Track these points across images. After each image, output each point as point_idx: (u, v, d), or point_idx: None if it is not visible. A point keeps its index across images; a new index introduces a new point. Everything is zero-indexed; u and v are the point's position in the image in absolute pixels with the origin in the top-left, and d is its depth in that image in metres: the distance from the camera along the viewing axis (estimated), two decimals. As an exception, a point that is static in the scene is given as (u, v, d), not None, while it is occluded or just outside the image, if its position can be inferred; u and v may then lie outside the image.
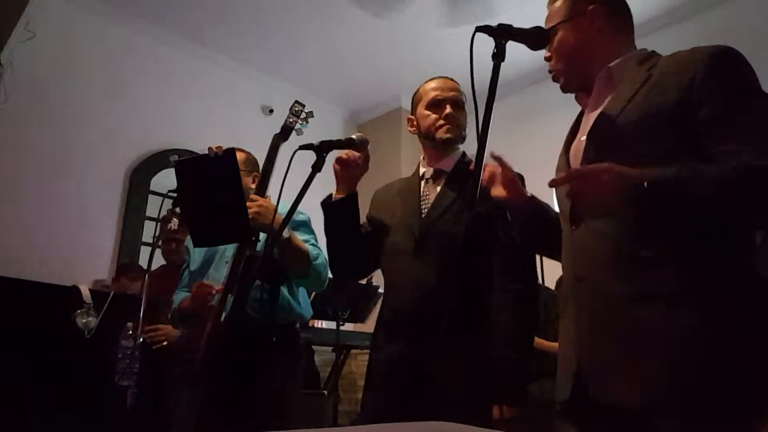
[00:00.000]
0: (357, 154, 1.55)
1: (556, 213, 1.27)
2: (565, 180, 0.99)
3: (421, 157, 1.73)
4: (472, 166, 1.54)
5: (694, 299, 0.93)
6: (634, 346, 0.96)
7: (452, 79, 1.68)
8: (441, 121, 1.60)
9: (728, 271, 0.95)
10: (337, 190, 1.61)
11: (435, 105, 1.62)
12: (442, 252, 1.47)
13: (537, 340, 2.23)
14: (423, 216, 1.56)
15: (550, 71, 1.24)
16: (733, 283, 0.94)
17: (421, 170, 1.68)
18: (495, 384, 1.34)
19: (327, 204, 1.61)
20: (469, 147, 1.32)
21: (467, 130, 1.67)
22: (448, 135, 1.59)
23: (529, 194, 1.29)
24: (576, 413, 1.07)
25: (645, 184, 0.91)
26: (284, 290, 1.94)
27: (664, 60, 1.11)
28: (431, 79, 1.69)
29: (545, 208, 1.30)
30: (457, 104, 1.62)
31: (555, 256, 1.25)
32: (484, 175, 1.21)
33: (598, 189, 0.93)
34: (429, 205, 1.57)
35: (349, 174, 1.58)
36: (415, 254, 1.51)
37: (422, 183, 1.65)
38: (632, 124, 1.05)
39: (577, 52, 1.19)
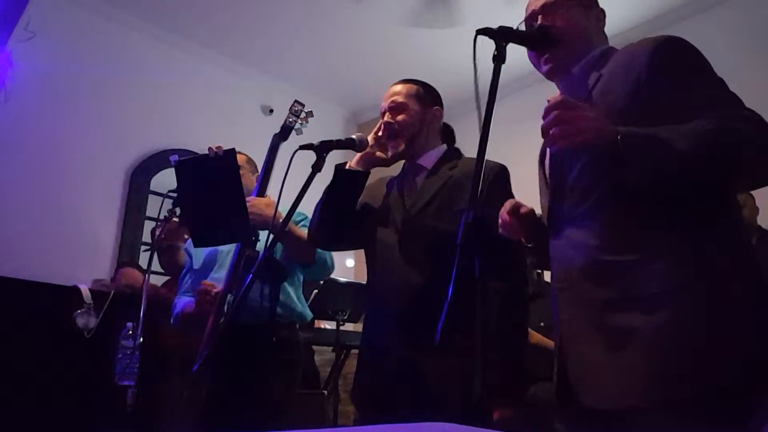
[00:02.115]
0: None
1: None
2: (553, 106, 0.95)
3: None
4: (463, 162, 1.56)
5: (670, 300, 0.93)
6: (613, 351, 0.96)
7: (404, 80, 1.68)
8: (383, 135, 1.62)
9: (705, 268, 0.94)
10: (354, 162, 1.61)
11: (382, 118, 1.64)
12: (426, 249, 1.47)
13: (544, 340, 2.22)
14: (405, 208, 1.56)
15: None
16: (710, 279, 0.93)
17: (406, 165, 1.68)
18: (488, 386, 1.33)
19: (340, 168, 1.61)
20: (470, 147, 1.32)
21: (469, 132, 1.66)
22: (391, 152, 1.61)
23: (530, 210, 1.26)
24: (566, 416, 1.10)
25: (618, 136, 0.90)
26: (287, 290, 1.95)
27: (614, 57, 1.12)
28: None
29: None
30: (395, 109, 1.61)
31: None
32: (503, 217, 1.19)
33: (579, 121, 0.91)
34: (411, 198, 1.57)
35: (374, 156, 1.60)
36: (400, 249, 1.51)
37: (405, 177, 1.65)
38: None
39: (579, 37, 1.19)
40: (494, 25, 1.05)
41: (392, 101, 1.62)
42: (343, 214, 1.61)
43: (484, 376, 1.32)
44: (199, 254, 2.07)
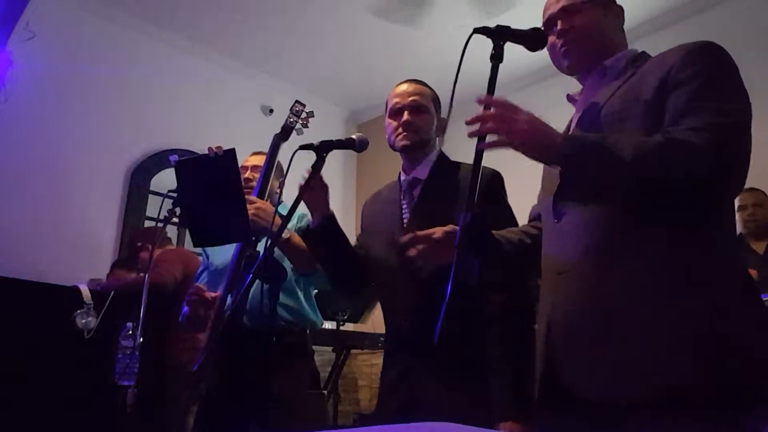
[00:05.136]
0: (316, 175, 1.52)
1: (520, 233, 1.29)
2: (495, 104, 0.99)
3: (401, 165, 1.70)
4: (466, 166, 1.54)
5: (675, 293, 0.93)
6: (611, 340, 0.96)
7: (418, 81, 1.64)
8: (399, 129, 1.57)
9: (709, 265, 0.95)
10: (313, 218, 1.59)
11: (395, 114, 1.59)
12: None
13: None
14: (404, 226, 1.53)
15: (561, 46, 1.20)
16: (714, 276, 0.95)
17: (402, 177, 1.65)
18: (498, 400, 1.30)
19: (306, 233, 1.59)
20: (467, 149, 1.32)
21: (466, 133, 1.64)
22: (403, 142, 1.56)
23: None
24: (551, 405, 1.07)
25: (561, 139, 0.96)
26: (299, 297, 1.92)
27: (652, 58, 1.14)
28: (397, 85, 1.64)
29: (499, 243, 1.27)
30: (417, 109, 1.57)
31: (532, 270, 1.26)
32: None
33: (520, 123, 0.97)
34: (408, 214, 1.55)
35: (315, 198, 1.55)
36: (402, 267, 1.46)
37: (402, 191, 1.62)
38: (613, 114, 1.07)
39: (598, 37, 1.20)
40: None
41: (413, 101, 1.57)
42: (346, 259, 1.61)
43: (493, 391, 1.31)
44: (216, 253, 2.05)
